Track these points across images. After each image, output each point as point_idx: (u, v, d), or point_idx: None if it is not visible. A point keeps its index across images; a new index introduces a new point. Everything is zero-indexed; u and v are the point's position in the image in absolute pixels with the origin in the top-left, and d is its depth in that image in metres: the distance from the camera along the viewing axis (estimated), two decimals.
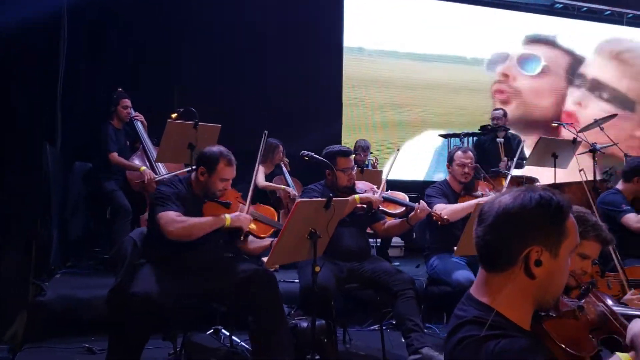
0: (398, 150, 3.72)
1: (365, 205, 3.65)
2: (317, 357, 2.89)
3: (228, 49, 6.54)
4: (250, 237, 3.20)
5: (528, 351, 1.20)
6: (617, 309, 1.69)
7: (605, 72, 8.80)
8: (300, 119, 6.68)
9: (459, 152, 4.08)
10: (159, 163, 4.96)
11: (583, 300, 1.57)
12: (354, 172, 3.74)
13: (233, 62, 6.55)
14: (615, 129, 5.75)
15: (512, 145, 5.95)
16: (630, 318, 1.67)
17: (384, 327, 3.99)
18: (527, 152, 5.71)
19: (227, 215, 2.97)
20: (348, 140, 6.69)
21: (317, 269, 2.83)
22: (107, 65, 5.90)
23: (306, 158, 3.24)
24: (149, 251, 3.02)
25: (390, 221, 3.85)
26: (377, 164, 6.54)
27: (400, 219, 3.75)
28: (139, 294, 2.65)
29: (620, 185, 4.14)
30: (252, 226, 3.14)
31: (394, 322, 4.12)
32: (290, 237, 2.75)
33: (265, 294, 2.98)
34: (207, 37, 6.51)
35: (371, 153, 6.47)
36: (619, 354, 1.60)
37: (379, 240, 5.87)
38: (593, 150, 5.41)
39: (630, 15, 8.86)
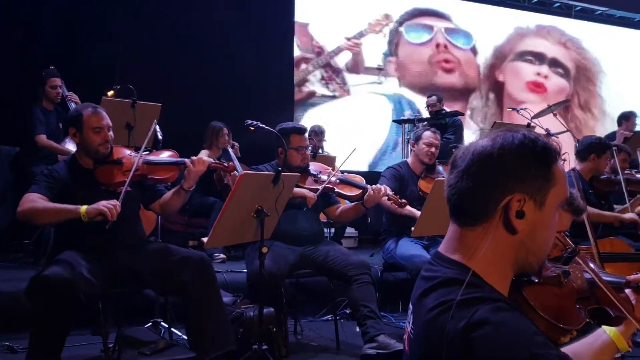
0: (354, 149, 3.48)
1: (320, 188, 3.40)
2: (265, 347, 2.63)
3: (173, 26, 6.12)
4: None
5: (515, 322, 0.99)
6: (606, 277, 1.50)
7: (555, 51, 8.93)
8: (250, 100, 6.35)
9: (428, 132, 3.92)
10: None
11: (569, 266, 1.35)
12: (308, 152, 3.50)
13: (179, 39, 6.13)
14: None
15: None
16: (617, 287, 1.49)
17: (338, 317, 3.79)
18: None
19: (83, 207, 2.54)
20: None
21: (265, 249, 2.58)
22: (38, 43, 5.43)
23: (251, 128, 2.96)
24: (62, 235, 2.74)
25: (344, 205, 3.63)
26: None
27: (355, 202, 3.52)
28: (51, 276, 2.34)
29: (577, 165, 4.08)
30: (157, 175, 2.86)
31: (348, 312, 3.90)
32: (234, 215, 2.48)
33: (199, 280, 2.69)
34: (150, 12, 6.08)
35: (325, 141, 6.25)
36: (605, 327, 1.41)
37: (332, 230, 5.66)
38: (547, 136, 5.38)
39: (578, 8, 8.96)
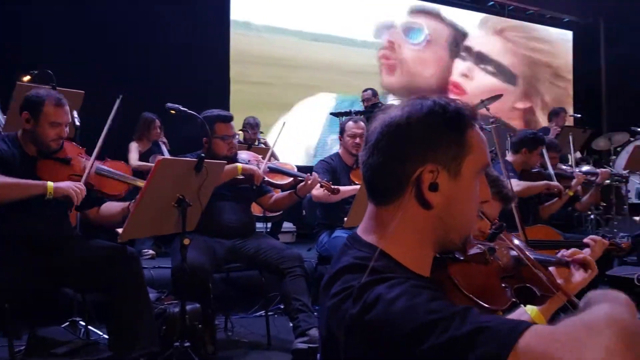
0: (284, 123, 3.38)
1: (244, 177, 3.28)
2: (187, 344, 2.48)
3: (102, 11, 5.79)
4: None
5: (409, 294, 0.89)
6: (533, 255, 1.46)
7: (489, 46, 9.03)
8: (184, 94, 6.11)
9: (350, 123, 3.86)
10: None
11: (494, 243, 1.28)
12: (235, 141, 3.36)
13: (105, 26, 5.79)
14: (499, 102, 5.84)
15: None
16: (543, 264, 1.45)
17: (271, 313, 3.69)
18: None
19: (50, 183, 2.38)
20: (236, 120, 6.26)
21: (187, 241, 2.44)
22: None
23: (173, 112, 2.80)
24: None
25: (277, 194, 3.52)
26: (268, 144, 6.19)
27: (288, 191, 3.42)
28: None
29: (509, 157, 4.13)
30: (104, 189, 2.62)
31: (282, 307, 3.80)
32: (152, 204, 2.33)
33: (124, 275, 2.51)
34: None
35: (261, 132, 6.11)
36: (527, 308, 1.37)
37: (269, 224, 5.53)
38: (480, 129, 5.44)
39: (511, 7, 9.20)
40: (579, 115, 6.94)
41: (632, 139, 6.93)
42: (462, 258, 1.18)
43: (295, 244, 6.09)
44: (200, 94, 6.00)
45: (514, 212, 2.15)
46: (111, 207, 2.66)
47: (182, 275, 2.64)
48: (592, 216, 6.15)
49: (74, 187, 2.37)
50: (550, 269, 1.52)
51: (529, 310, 1.33)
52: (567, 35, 9.84)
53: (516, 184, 3.75)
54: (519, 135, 4.13)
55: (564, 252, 1.53)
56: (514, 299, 1.20)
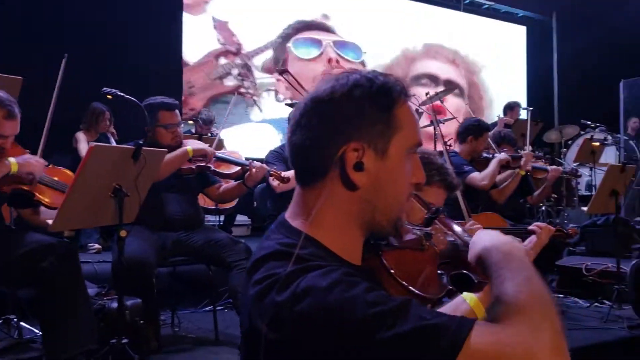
0: (234, 94, 3.27)
1: (194, 167, 3.17)
2: (125, 340, 2.36)
3: None
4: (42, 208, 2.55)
5: (345, 284, 0.82)
6: (469, 239, 1.41)
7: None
8: (134, 82, 5.88)
9: None
10: None
11: (431, 228, 1.22)
12: (180, 130, 3.23)
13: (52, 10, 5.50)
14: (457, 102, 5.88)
15: None
16: None
17: (220, 307, 3.60)
18: None
19: (12, 159, 2.25)
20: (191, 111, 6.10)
21: (123, 233, 2.33)
22: None
23: (109, 96, 2.66)
24: None
25: (226, 185, 3.41)
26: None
27: (237, 182, 3.32)
28: None
29: (457, 148, 4.14)
30: (42, 196, 2.47)
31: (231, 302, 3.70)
32: (86, 194, 2.20)
33: (58, 270, 2.37)
34: None
35: (216, 129, 5.91)
36: (465, 294, 1.32)
37: (221, 217, 5.41)
38: (434, 122, 5.47)
39: (467, 1, 9.27)
40: (531, 109, 7.03)
41: (582, 132, 7.09)
42: (396, 244, 1.12)
43: (250, 237, 5.97)
44: (149, 81, 5.79)
45: (460, 199, 2.11)
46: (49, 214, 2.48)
47: (121, 269, 2.51)
48: (543, 208, 6.26)
49: (36, 161, 2.33)
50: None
51: (467, 299, 1.28)
52: (522, 30, 10.00)
53: (480, 178, 3.76)
54: (464, 124, 4.14)
55: None
56: (449, 286, 1.15)
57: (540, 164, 4.49)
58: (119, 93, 2.65)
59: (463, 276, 1.23)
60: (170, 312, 3.42)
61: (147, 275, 2.80)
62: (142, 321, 2.67)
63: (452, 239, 1.24)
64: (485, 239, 1.06)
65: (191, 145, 3.18)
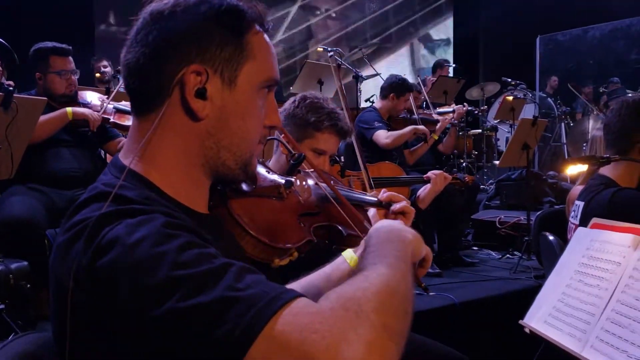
0: None
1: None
2: (1, 306, 2.17)
3: None
4: None
5: (156, 238, 0.69)
6: (346, 192, 1.31)
7: None
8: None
9: None
10: None
11: (294, 176, 1.12)
12: (75, 77, 2.98)
13: None
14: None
15: None
16: (360, 206, 1.31)
17: None
18: None
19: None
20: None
21: None
22: None
23: None
24: None
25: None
26: None
27: None
28: None
29: (378, 103, 4.08)
30: None
31: None
32: None
33: None
34: None
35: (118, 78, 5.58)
36: (345, 254, 1.23)
37: None
38: (356, 77, 5.39)
39: None
40: (455, 65, 7.09)
41: (504, 90, 7.21)
42: (247, 191, 1.00)
43: None
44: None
45: (355, 147, 2.03)
46: None
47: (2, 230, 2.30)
48: (464, 164, 6.37)
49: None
50: (372, 211, 1.41)
51: (348, 259, 1.19)
52: None
53: (385, 136, 3.71)
54: (388, 81, 4.07)
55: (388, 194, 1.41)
56: (309, 238, 1.06)
57: (445, 108, 4.53)
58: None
59: (333, 229, 1.15)
60: None
61: (34, 236, 2.59)
62: (28, 285, 2.47)
63: (321, 190, 1.14)
64: (382, 223, 0.95)
65: (83, 101, 2.96)
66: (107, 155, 3.24)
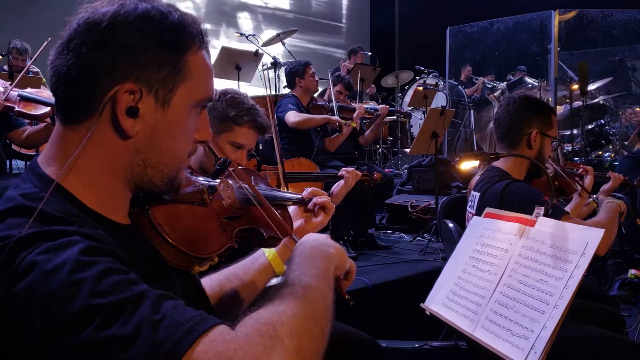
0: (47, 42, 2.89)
1: None
2: None
3: None
4: None
5: (76, 264, 0.69)
6: (268, 192, 1.35)
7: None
8: None
9: None
10: None
11: (218, 180, 1.12)
12: None
13: None
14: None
15: None
16: (280, 205, 1.35)
17: None
18: None
19: None
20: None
21: None
22: None
23: None
24: None
25: (32, 128, 3.05)
26: (41, 74, 5.40)
27: (44, 124, 2.98)
28: None
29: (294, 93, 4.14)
30: None
31: None
32: None
33: None
34: None
35: (30, 59, 5.28)
36: (265, 250, 1.28)
37: None
38: (274, 64, 5.43)
39: None
40: (370, 54, 7.24)
41: (417, 77, 7.48)
42: (168, 198, 1.01)
43: None
44: None
45: (275, 143, 2.09)
46: None
47: None
48: (380, 150, 6.58)
49: None
50: (292, 208, 1.46)
51: (267, 252, 1.25)
52: None
53: (294, 115, 3.78)
54: (286, 70, 4.17)
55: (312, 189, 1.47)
56: (230, 244, 1.07)
57: (372, 104, 4.66)
58: None
59: (252, 231, 1.17)
60: None
61: None
62: None
63: (244, 193, 1.16)
64: (307, 237, 0.99)
65: None
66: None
